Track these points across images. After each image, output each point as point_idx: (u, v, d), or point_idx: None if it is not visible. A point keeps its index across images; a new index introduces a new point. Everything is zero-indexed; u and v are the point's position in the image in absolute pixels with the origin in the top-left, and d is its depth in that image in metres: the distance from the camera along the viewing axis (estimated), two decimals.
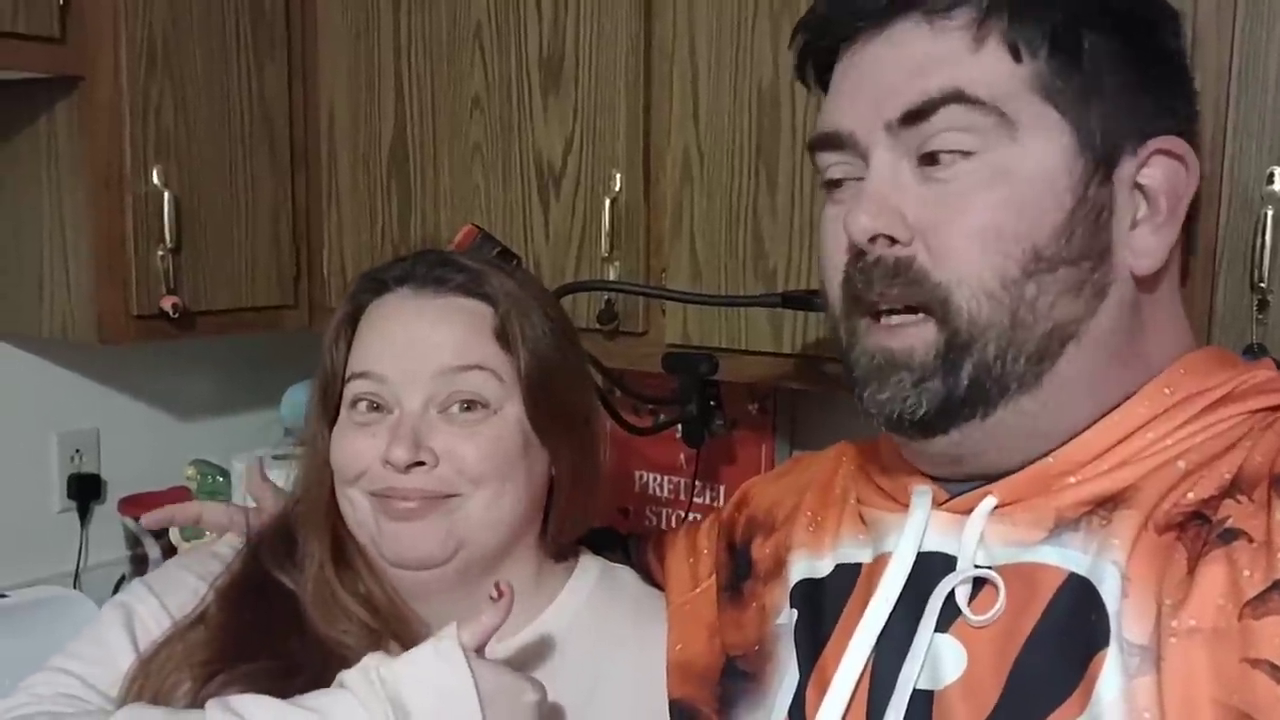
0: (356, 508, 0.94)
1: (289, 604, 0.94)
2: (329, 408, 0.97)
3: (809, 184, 1.24)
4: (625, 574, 1.06)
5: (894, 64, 0.74)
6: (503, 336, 0.94)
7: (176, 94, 1.55)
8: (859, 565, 0.83)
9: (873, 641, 0.77)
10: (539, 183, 1.45)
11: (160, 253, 1.54)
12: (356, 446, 0.93)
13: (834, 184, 0.80)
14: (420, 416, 0.92)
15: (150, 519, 1.11)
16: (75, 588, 1.77)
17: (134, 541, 1.82)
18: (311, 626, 0.92)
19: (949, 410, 0.73)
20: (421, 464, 0.90)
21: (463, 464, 0.91)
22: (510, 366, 0.94)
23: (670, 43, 1.33)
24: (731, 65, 1.28)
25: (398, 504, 0.91)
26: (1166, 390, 0.74)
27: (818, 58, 0.82)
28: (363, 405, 0.94)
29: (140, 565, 1.81)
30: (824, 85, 0.82)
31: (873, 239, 0.73)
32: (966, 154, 0.72)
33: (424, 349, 0.93)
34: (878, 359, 0.76)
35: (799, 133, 1.24)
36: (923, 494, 0.79)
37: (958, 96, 0.71)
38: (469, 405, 0.92)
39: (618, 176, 1.37)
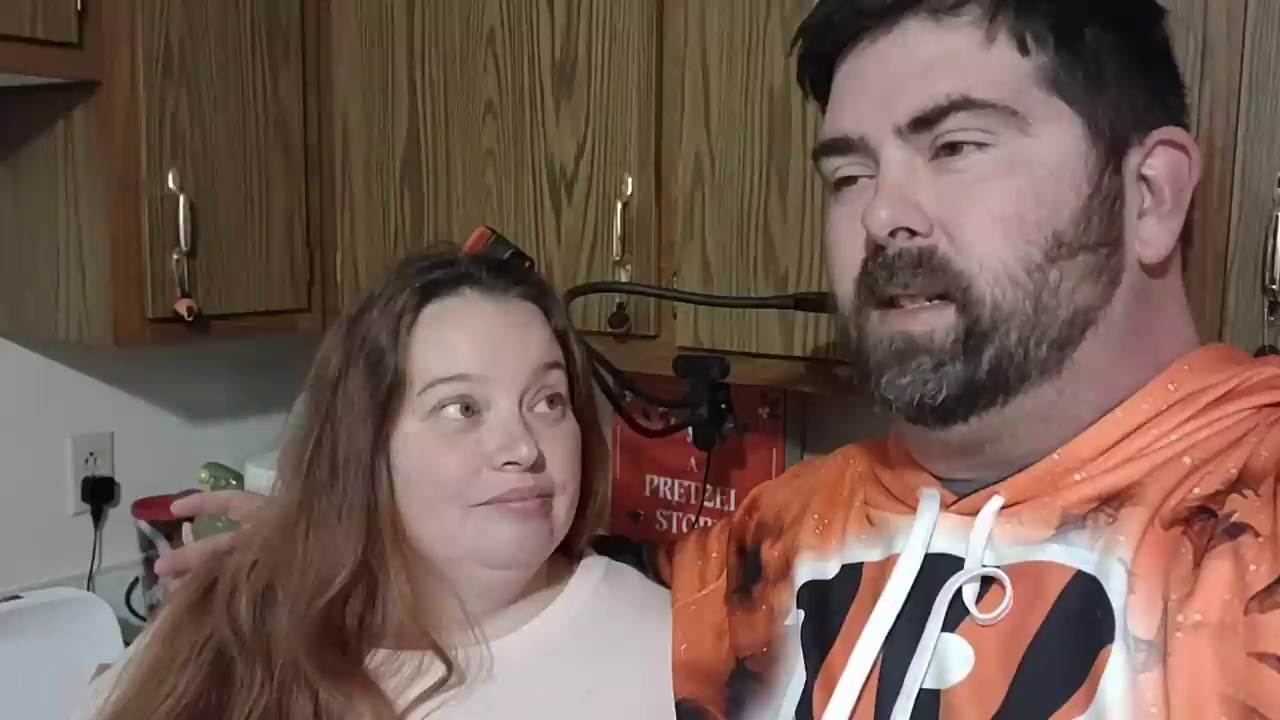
0: (449, 522, 0.91)
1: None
2: (386, 419, 0.91)
3: (820, 187, 1.24)
4: (630, 572, 1.06)
5: (901, 65, 0.75)
6: (563, 338, 0.97)
7: (192, 99, 1.57)
8: (863, 565, 0.83)
9: (880, 641, 0.77)
10: (551, 187, 1.45)
11: (175, 256, 1.55)
12: (460, 457, 0.90)
13: (841, 184, 0.80)
14: (520, 416, 0.92)
15: (180, 505, 1.11)
16: (89, 590, 1.78)
17: (147, 544, 1.83)
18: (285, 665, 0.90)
19: (970, 396, 0.73)
20: (542, 463, 0.91)
21: (557, 464, 0.93)
22: (566, 365, 0.97)
23: (681, 47, 1.33)
24: (743, 69, 1.28)
25: (516, 505, 0.90)
26: (1170, 386, 0.74)
27: (819, 62, 0.82)
28: (452, 409, 0.91)
29: (153, 568, 1.82)
30: (824, 92, 0.82)
31: (893, 232, 0.73)
32: (980, 145, 0.72)
33: (516, 348, 0.93)
34: (896, 343, 0.75)
35: (809, 136, 1.24)
36: (931, 497, 0.79)
37: (965, 103, 0.72)
38: (552, 400, 0.94)
39: (629, 180, 1.38)
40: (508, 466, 0.90)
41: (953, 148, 0.73)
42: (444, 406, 0.91)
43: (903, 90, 0.74)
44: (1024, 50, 0.73)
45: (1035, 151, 0.72)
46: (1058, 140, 0.72)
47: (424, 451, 0.91)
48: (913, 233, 0.73)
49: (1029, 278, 0.72)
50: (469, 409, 0.91)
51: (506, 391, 0.92)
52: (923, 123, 0.73)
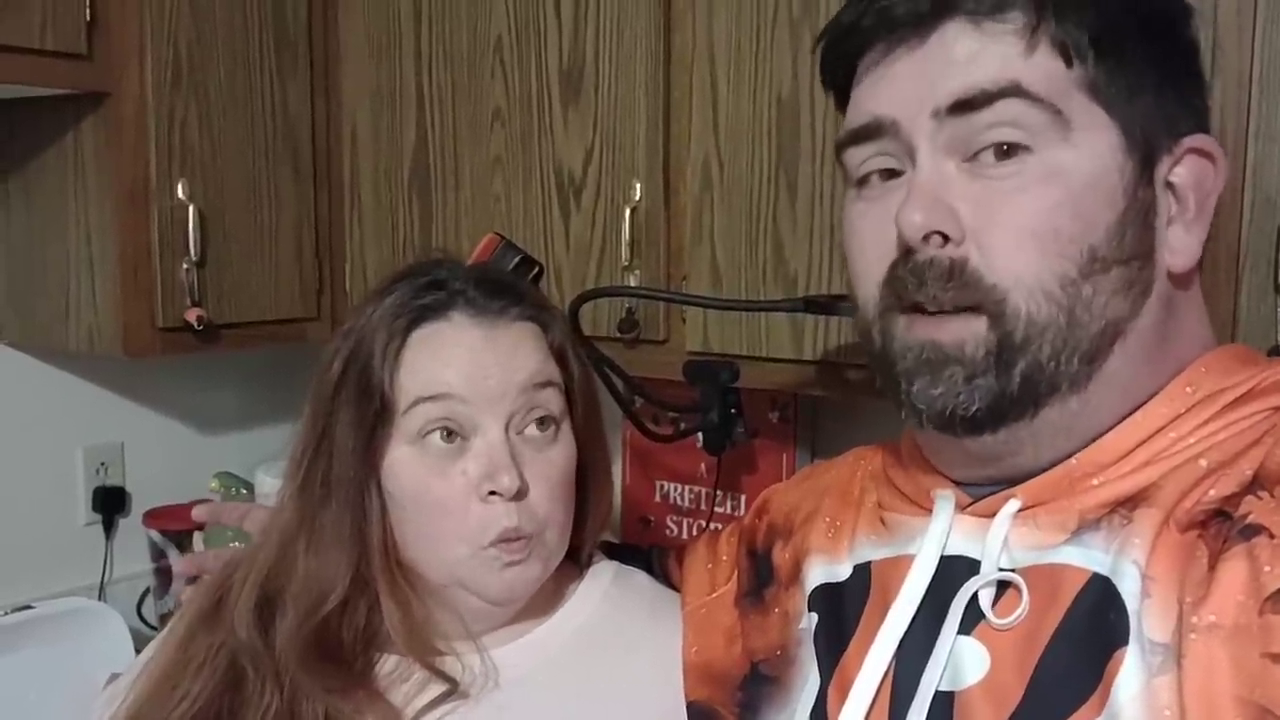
0: (440, 551, 0.92)
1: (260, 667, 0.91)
2: (375, 442, 0.92)
3: (828, 191, 1.24)
4: (639, 575, 1.06)
5: (941, 55, 0.73)
6: (561, 355, 0.95)
7: (201, 109, 1.57)
8: (876, 566, 0.83)
9: (895, 644, 0.77)
10: (559, 193, 1.45)
11: (185, 266, 1.55)
12: (448, 486, 0.90)
13: (865, 181, 0.78)
14: (507, 440, 0.91)
15: (200, 512, 1.12)
16: (100, 600, 1.78)
17: (158, 554, 1.83)
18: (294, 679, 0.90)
19: (1001, 408, 0.72)
20: (525, 491, 0.90)
21: (542, 496, 0.92)
22: (564, 383, 0.95)
23: (689, 53, 1.33)
24: (751, 75, 1.28)
25: (509, 548, 0.90)
26: (1188, 389, 0.73)
27: (842, 62, 0.80)
28: (436, 435, 0.90)
29: (164, 577, 1.82)
30: (845, 88, 0.80)
31: (926, 237, 0.72)
32: (1019, 150, 0.71)
33: (503, 369, 0.91)
34: (926, 353, 0.74)
35: (818, 140, 1.24)
36: (946, 499, 0.78)
37: (1016, 90, 0.70)
38: (542, 422, 0.93)
39: (638, 186, 1.38)
40: (492, 496, 0.90)
41: (989, 151, 0.71)
42: (430, 430, 0.91)
43: (944, 74, 0.72)
44: (1068, 61, 0.71)
45: (1073, 162, 0.71)
46: (1096, 151, 0.71)
47: (413, 477, 0.91)
48: (945, 238, 0.72)
49: (1064, 292, 0.71)
50: (455, 433, 0.91)
51: (493, 413, 0.90)
52: (966, 106, 0.71)
